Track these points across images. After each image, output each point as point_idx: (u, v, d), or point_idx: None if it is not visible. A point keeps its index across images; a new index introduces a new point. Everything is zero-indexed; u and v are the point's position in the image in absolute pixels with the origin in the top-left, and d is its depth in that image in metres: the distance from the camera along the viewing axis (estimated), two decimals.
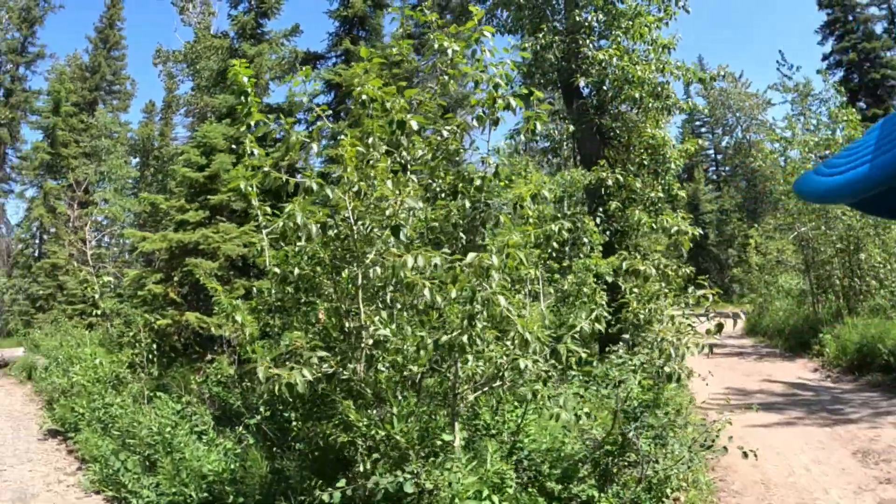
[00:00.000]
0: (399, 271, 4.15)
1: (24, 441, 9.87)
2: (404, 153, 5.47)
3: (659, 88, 14.40)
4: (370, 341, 4.71)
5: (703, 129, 57.19)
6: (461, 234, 5.41)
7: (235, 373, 8.72)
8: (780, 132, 21.52)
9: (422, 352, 4.95)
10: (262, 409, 7.52)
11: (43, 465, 8.78)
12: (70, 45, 72.91)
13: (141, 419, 8.01)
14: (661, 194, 13.24)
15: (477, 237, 5.48)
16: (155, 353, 9.18)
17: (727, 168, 58.39)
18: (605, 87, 14.49)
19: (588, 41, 14.33)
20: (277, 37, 16.09)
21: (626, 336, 7.73)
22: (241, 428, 7.60)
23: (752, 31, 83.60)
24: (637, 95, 13.78)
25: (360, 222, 4.81)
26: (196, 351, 10.55)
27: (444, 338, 4.54)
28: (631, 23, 14.59)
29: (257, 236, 7.51)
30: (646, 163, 13.72)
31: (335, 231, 4.90)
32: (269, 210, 7.22)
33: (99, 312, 10.15)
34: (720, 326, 6.86)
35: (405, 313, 5.05)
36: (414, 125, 5.06)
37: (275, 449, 7.16)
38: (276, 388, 3.77)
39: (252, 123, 6.69)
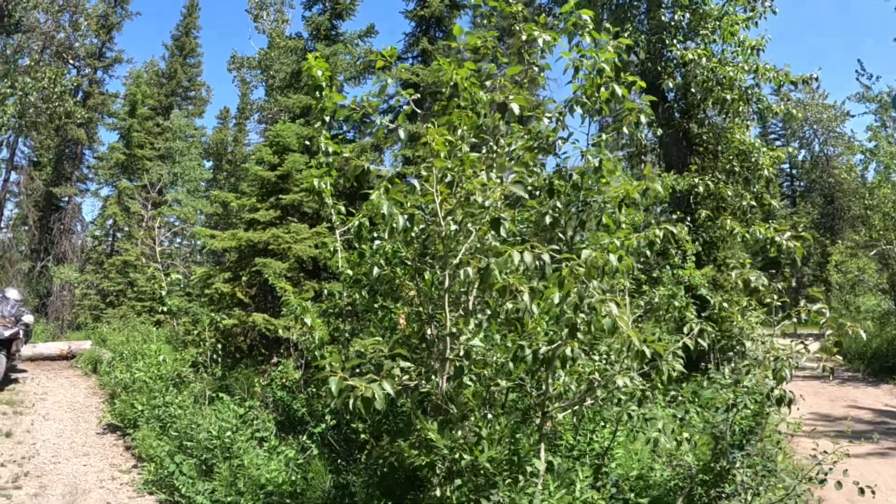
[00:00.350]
0: (493, 272, 3.63)
1: (82, 434, 9.72)
2: (501, 140, 4.94)
3: (749, 91, 13.57)
4: (461, 352, 4.17)
5: (777, 143, 54.81)
6: (559, 235, 4.85)
7: (301, 378, 8.32)
8: (861, 144, 20.37)
9: (511, 364, 4.42)
10: (327, 417, 7.09)
11: (99, 459, 8.57)
12: (146, 51, 75.57)
13: (200, 421, 7.65)
14: (752, 203, 12.38)
15: (576, 239, 4.90)
16: (219, 353, 8.87)
17: (802, 183, 55.74)
18: (692, 90, 13.68)
19: (675, 41, 13.54)
20: (352, 37, 15.81)
21: (731, 353, 7.06)
22: (304, 436, 7.18)
23: (825, 41, 79.99)
24: (728, 98, 12.93)
25: (449, 217, 4.30)
26: (261, 353, 10.20)
27: (544, 349, 3.98)
28: (718, 23, 13.76)
29: (329, 237, 7.13)
30: (736, 170, 12.85)
31: (421, 226, 4.37)
32: (342, 209, 6.84)
33: (165, 309, 9.93)
34: (839, 345, 6.14)
35: (494, 321, 4.49)
36: (515, 108, 4.53)
37: (339, 461, 6.70)
38: (351, 402, 3.26)
39: (327, 119, 6.36)
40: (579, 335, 4.02)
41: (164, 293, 9.91)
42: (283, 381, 8.32)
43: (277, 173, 10.99)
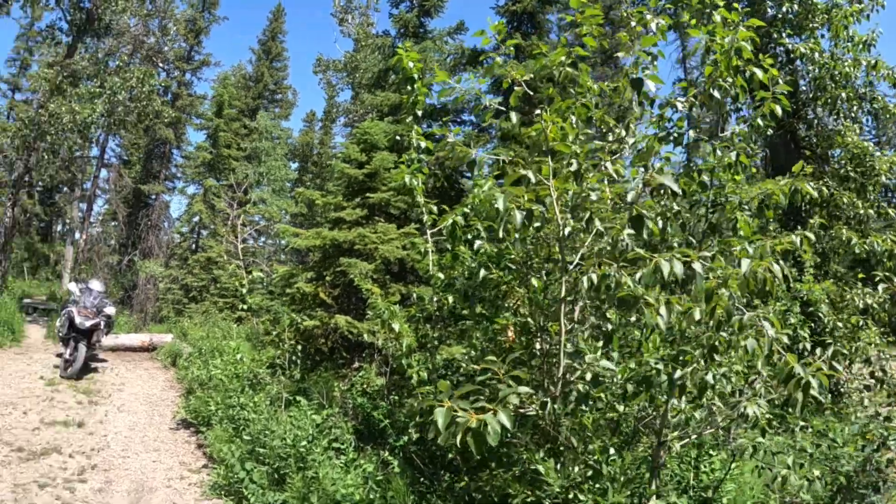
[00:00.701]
0: (625, 281, 3.08)
1: (155, 428, 9.57)
2: (631, 126, 4.34)
3: (865, 90, 12.47)
4: (587, 375, 3.60)
5: None
6: (691, 240, 4.22)
7: (385, 385, 7.88)
8: None
9: (629, 387, 3.85)
10: (410, 430, 6.62)
11: (169, 456, 8.38)
12: (233, 54, 78.28)
13: (274, 427, 7.25)
14: (870, 211, 11.29)
15: (703, 245, 4.26)
16: (298, 354, 8.51)
17: None
18: (801, 88, 12.65)
19: (784, 35, 12.54)
20: (441, 35, 15.42)
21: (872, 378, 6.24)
22: (385, 450, 6.72)
23: None
24: (843, 95, 11.88)
25: (568, 214, 3.75)
26: (342, 356, 9.78)
27: (679, 373, 3.39)
28: (826, 16, 12.68)
29: (419, 238, 6.69)
30: (851, 175, 11.76)
31: (536, 225, 3.80)
32: (433, 209, 6.40)
33: (246, 307, 9.70)
34: None
35: (615, 338, 3.90)
36: (651, 85, 3.93)
37: (423, 480, 6.22)
38: (459, 437, 2.72)
39: (419, 113, 6.08)
40: (716, 357, 3.42)
41: (244, 291, 9.68)
42: (364, 387, 7.92)
43: (365, 171, 10.59)
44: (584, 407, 3.73)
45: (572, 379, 3.66)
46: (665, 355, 3.81)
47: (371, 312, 6.58)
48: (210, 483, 7.36)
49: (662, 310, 3.02)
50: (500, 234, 3.65)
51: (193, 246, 24.56)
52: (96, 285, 14.06)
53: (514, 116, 3.88)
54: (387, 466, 6.52)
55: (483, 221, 4.92)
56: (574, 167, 3.47)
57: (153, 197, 30.50)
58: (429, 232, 6.34)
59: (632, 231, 3.29)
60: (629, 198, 3.53)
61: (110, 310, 13.77)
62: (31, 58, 37.77)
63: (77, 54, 21.73)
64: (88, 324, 12.62)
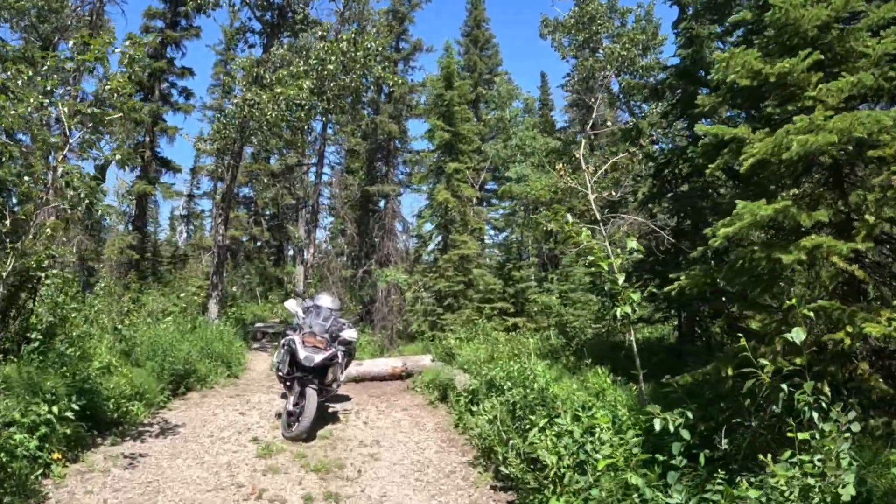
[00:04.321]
0: None
1: None
2: None
3: None
4: None
5: None
6: None
7: None
8: None
9: None
10: None
11: None
12: (438, 39, 78.54)
13: None
14: None
15: None
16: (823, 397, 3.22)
17: None
18: None
19: None
20: None
21: None
22: None
23: None
24: None
25: None
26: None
27: None
28: None
29: None
30: None
31: None
32: None
33: (629, 310, 4.93)
34: None
35: None
36: None
37: None
38: None
39: None
40: None
41: (618, 276, 5.06)
42: None
43: (822, 18, 5.21)
44: None
45: None
46: None
47: None
48: None
49: None
50: None
51: (441, 244, 20.70)
52: (326, 301, 10.09)
53: None
54: None
55: None
56: None
57: (382, 202, 27.86)
58: None
59: None
60: None
61: (350, 333, 9.65)
62: (231, 82, 37.64)
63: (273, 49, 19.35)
64: (319, 358, 8.64)
